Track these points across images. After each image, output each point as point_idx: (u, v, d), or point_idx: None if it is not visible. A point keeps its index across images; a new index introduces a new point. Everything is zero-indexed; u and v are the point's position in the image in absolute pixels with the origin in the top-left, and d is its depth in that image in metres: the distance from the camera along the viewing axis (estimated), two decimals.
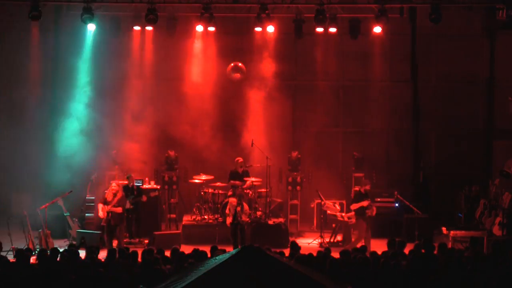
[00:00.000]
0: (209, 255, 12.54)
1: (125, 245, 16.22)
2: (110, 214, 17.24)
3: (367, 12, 19.61)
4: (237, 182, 19.02)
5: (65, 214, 18.35)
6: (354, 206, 17.43)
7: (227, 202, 18.27)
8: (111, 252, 13.02)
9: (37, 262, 12.33)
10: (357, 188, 17.73)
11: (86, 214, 19.36)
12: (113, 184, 17.63)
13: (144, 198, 18.37)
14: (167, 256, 12.67)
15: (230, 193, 19.09)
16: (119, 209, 17.31)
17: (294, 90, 22.06)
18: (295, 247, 13.47)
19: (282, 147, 20.97)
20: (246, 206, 17.77)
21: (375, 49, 21.40)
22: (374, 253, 12.74)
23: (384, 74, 21.89)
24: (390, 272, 11.15)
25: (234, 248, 14.93)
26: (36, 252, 16.06)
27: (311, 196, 20.06)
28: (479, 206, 19.51)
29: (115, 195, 17.37)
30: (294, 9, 19.75)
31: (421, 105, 21.92)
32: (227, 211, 17.73)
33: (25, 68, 20.92)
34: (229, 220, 17.51)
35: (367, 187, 17.52)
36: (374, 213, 17.35)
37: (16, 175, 20.87)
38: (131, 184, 18.54)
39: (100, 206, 17.36)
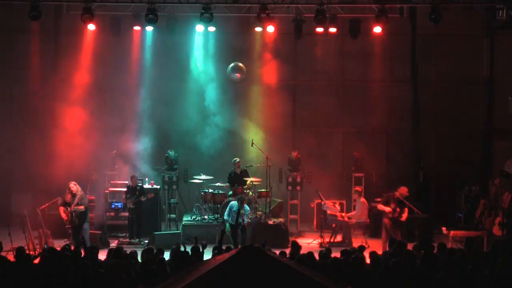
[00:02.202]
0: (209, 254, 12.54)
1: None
2: (73, 214, 17.18)
3: (367, 12, 19.60)
4: (239, 190, 18.99)
5: None
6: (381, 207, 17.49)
7: (228, 202, 18.25)
8: (110, 251, 13.01)
9: (37, 262, 12.32)
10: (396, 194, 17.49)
11: None
12: (71, 184, 17.40)
13: (143, 198, 18.38)
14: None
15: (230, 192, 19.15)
16: (81, 207, 17.21)
17: (294, 90, 22.04)
18: (296, 247, 13.45)
19: (282, 147, 20.98)
20: (247, 207, 17.77)
21: (375, 49, 21.40)
22: (374, 253, 12.73)
23: (384, 74, 21.87)
24: (390, 272, 11.14)
25: (234, 248, 14.90)
26: (36, 252, 16.08)
27: (311, 196, 20.05)
28: (479, 206, 19.50)
29: (74, 195, 17.25)
30: (294, 9, 19.76)
31: (421, 105, 21.92)
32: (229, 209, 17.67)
33: (25, 68, 20.95)
34: (227, 223, 17.44)
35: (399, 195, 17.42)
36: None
37: (16, 175, 20.90)
38: (135, 184, 18.54)
39: (62, 209, 17.27)
